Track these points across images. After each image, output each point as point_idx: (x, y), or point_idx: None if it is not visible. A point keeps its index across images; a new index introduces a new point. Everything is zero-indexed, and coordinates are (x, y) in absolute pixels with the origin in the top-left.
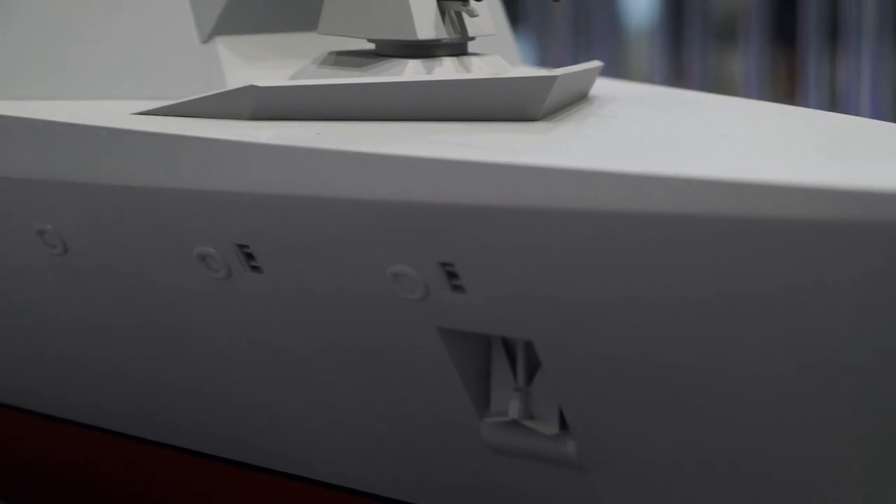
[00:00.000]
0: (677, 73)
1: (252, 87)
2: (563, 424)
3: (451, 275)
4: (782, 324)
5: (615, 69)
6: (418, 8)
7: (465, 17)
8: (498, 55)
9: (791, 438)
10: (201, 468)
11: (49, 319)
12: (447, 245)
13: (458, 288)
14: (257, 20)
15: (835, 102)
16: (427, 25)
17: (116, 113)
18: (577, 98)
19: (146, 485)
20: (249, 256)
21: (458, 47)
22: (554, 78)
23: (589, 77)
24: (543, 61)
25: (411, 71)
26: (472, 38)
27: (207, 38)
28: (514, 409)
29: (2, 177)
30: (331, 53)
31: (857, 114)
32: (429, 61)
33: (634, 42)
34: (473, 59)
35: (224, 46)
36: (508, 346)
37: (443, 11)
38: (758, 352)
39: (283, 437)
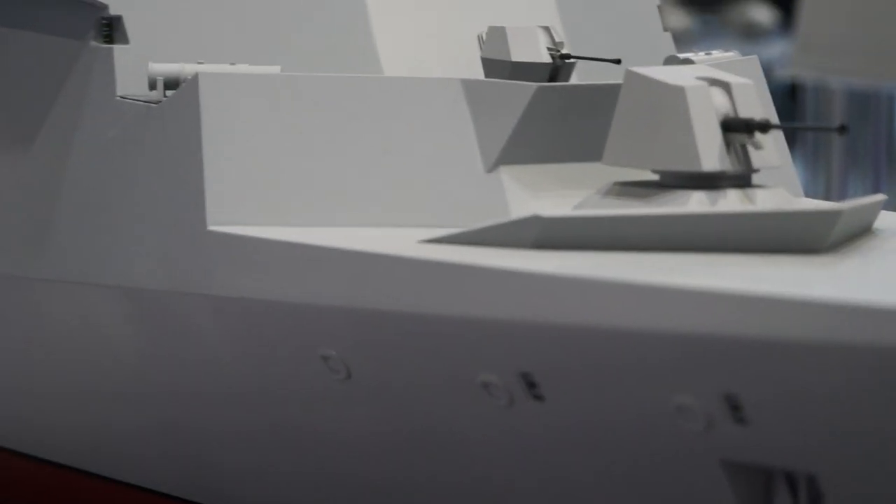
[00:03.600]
0: None
1: (537, 217)
2: None
3: (735, 407)
4: None
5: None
6: (704, 140)
7: (750, 149)
8: (782, 187)
9: None
10: None
11: (330, 444)
12: (732, 377)
13: (741, 420)
14: (541, 150)
15: None
16: (712, 157)
17: (401, 240)
18: (861, 231)
19: None
20: (532, 385)
21: (742, 179)
22: (840, 212)
23: (872, 210)
24: (819, 191)
25: (696, 203)
26: (757, 171)
27: (492, 167)
28: None
29: (288, 302)
30: (615, 184)
31: None
32: (713, 193)
33: None
34: (758, 191)
35: (508, 176)
36: (791, 479)
37: (728, 143)
38: None
39: None
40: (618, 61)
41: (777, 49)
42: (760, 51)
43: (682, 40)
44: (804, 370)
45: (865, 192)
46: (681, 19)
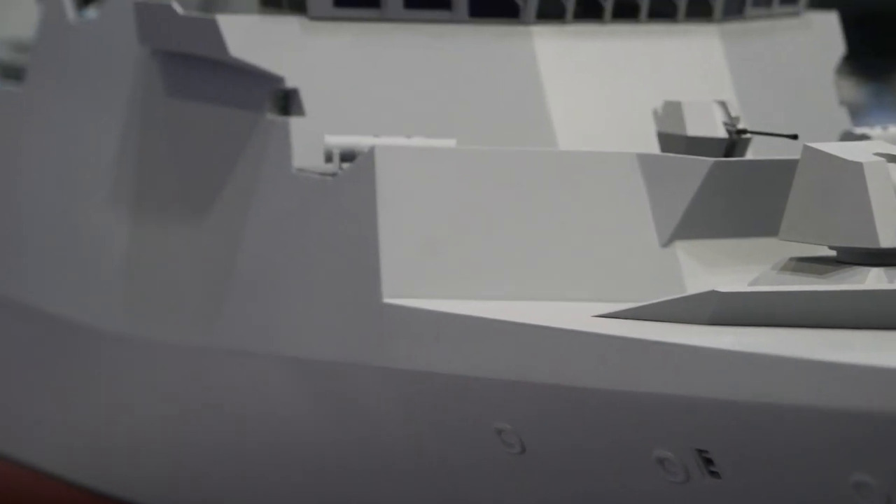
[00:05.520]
0: None
1: (714, 293)
2: None
3: None
4: None
5: None
6: (882, 216)
7: None
8: None
9: None
10: None
11: None
12: None
13: None
14: (716, 225)
15: None
16: (890, 233)
17: (576, 314)
18: None
19: None
20: (708, 461)
21: None
22: None
23: None
24: None
25: (874, 279)
26: None
27: (667, 242)
28: None
29: (463, 375)
30: (791, 259)
31: None
32: (891, 270)
33: None
34: None
35: (683, 251)
36: None
37: None
38: None
39: None
40: (795, 137)
41: None
42: None
43: (852, 111)
44: None
45: None
46: (850, 91)
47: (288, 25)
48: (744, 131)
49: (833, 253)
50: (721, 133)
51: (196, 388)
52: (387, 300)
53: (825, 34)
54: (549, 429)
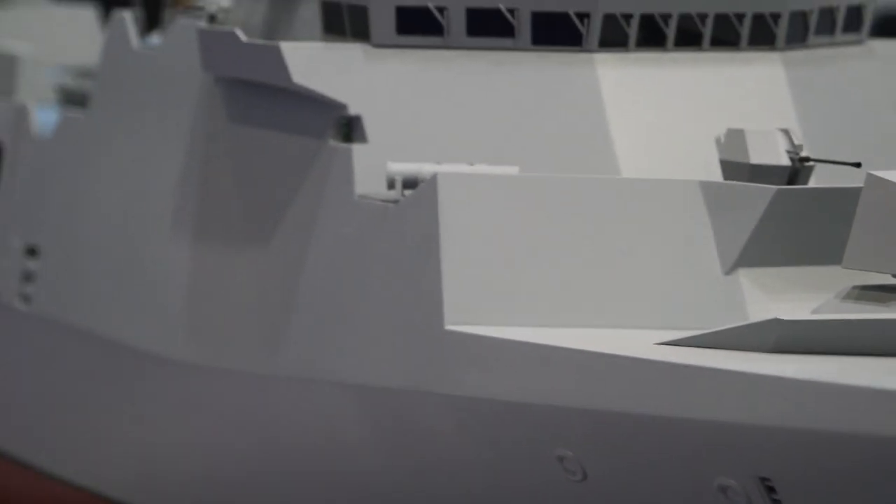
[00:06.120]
0: None
1: (777, 321)
2: None
3: None
4: None
5: None
6: None
7: None
8: None
9: None
10: None
11: None
12: None
13: None
14: (779, 253)
15: None
16: None
17: (638, 342)
18: None
19: None
20: (771, 490)
21: None
22: None
23: None
24: None
25: None
26: None
27: (730, 269)
28: None
29: (525, 402)
30: (854, 288)
31: None
32: None
33: None
34: None
35: (746, 278)
36: None
37: None
38: None
39: None
40: (858, 165)
41: None
42: None
43: None
44: None
45: None
46: None
47: (351, 52)
48: (807, 159)
49: None
50: (784, 161)
51: (257, 415)
52: (449, 327)
53: (888, 62)
54: (610, 456)
